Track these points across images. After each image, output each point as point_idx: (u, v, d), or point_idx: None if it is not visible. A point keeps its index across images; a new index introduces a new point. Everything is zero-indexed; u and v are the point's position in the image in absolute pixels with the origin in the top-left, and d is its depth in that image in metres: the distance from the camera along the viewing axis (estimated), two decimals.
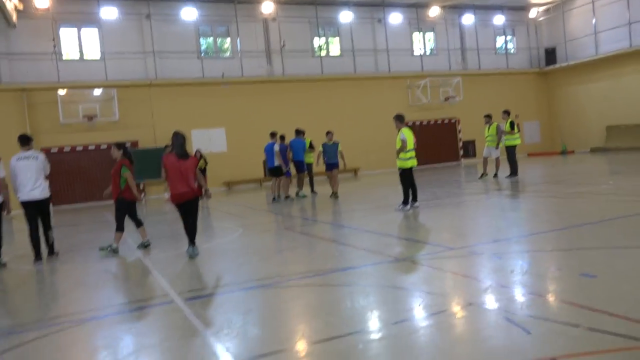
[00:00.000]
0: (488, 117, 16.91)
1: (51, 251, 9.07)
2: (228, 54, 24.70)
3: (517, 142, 16.20)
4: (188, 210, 8.04)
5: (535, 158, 27.25)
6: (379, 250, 7.36)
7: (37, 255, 8.72)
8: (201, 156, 19.92)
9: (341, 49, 26.39)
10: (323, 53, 26.02)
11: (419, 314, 4.61)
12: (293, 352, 3.98)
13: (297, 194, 16.05)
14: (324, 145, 14.95)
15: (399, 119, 11.29)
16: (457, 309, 4.62)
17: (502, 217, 10.05)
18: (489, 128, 16.72)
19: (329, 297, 5.41)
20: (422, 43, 28.31)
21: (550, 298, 4.70)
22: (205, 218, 13.76)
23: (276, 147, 15.27)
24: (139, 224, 9.29)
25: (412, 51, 27.88)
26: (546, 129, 30.60)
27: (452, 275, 5.80)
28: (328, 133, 15.14)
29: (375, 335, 4.15)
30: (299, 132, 16.13)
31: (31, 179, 8.75)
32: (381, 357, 3.76)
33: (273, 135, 15.74)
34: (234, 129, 23.43)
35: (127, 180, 9.00)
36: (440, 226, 9.40)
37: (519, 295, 4.85)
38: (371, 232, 8.96)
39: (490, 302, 4.72)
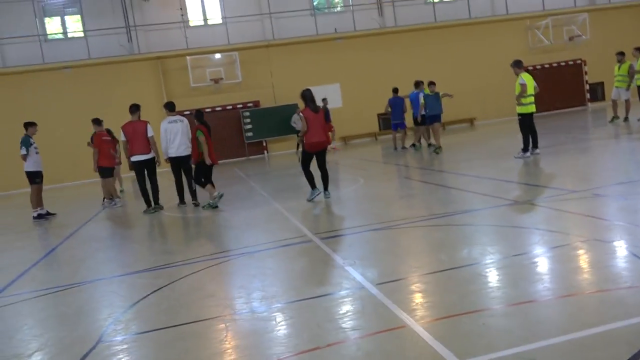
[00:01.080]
0: (620, 55, 15.79)
1: (194, 198, 10.45)
2: (339, 8, 25.00)
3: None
4: (322, 157, 9.08)
5: None
6: (498, 195, 7.63)
7: (182, 200, 10.60)
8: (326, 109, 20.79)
9: None
10: (436, 0, 25.39)
11: (539, 248, 4.95)
12: (418, 278, 4.54)
13: (414, 146, 16.35)
14: (425, 97, 14.95)
15: (517, 65, 11.14)
16: (578, 244, 4.89)
17: (629, 161, 9.72)
18: (619, 67, 15.67)
19: (451, 235, 5.90)
20: None
21: None
22: (330, 170, 14.62)
23: (421, 97, 15.42)
24: (204, 185, 9.91)
25: None
26: None
27: (573, 215, 5.99)
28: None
29: (494, 265, 4.59)
30: (418, 84, 16.15)
31: (177, 139, 10.08)
32: (500, 282, 4.21)
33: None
34: (349, 84, 23.94)
35: (202, 144, 9.71)
36: (562, 171, 9.35)
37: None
38: (490, 179, 9.18)
39: (614, 238, 4.92)
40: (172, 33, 22.84)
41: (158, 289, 5.16)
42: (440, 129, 15.08)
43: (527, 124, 11.07)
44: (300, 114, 9.12)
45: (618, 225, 5.31)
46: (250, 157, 23.44)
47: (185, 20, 22.88)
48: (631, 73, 15.29)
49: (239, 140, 23.42)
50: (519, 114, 11.15)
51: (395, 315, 3.73)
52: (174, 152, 10.27)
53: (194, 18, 23.77)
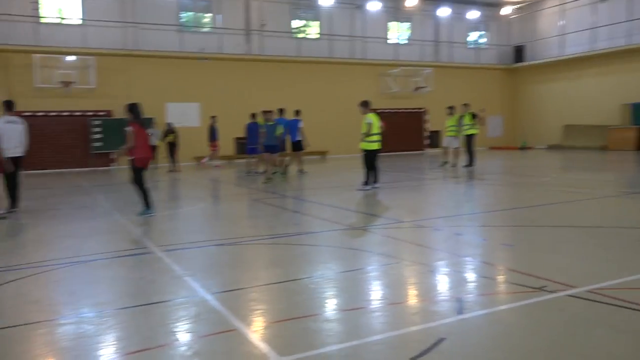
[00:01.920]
0: (450, 109, 17.93)
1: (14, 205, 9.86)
2: (207, 29, 25.10)
3: (476, 131, 17.23)
4: (144, 173, 8.89)
5: (497, 151, 28.58)
6: (336, 220, 8.26)
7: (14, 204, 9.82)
8: (172, 130, 20.52)
9: (319, 33, 27.04)
10: (301, 35, 26.66)
11: (364, 266, 5.53)
12: (253, 289, 4.83)
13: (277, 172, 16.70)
14: (262, 127, 14.76)
15: (365, 105, 12.10)
16: (397, 264, 5.55)
17: (450, 199, 11.10)
18: (450, 119, 17.75)
19: (289, 253, 6.30)
20: (398, 32, 29.18)
21: (471, 259, 5.66)
22: (180, 188, 14.48)
23: (301, 124, 16.31)
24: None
25: (387, 39, 28.72)
26: (509, 124, 31.96)
27: (397, 241, 6.74)
28: (265, 113, 14.79)
29: (322, 279, 5.05)
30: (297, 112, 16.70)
31: (15, 140, 9.62)
32: (325, 293, 4.66)
33: (298, 112, 16.80)
34: (209, 104, 23.93)
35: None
36: (395, 204, 10.36)
37: (449, 256, 5.80)
38: (331, 206, 9.86)
39: (417, 258, 5.66)
40: (20, 26, 21.11)
41: None
42: (273, 160, 14.72)
43: (369, 159, 12.06)
44: (130, 128, 8.66)
45: (427, 250, 6.11)
46: (96, 168, 22.19)
47: (37, 15, 21.30)
48: (460, 124, 17.40)
49: (84, 149, 22.07)
50: (363, 150, 12.12)
51: (227, 320, 3.97)
52: (10, 153, 9.60)
53: (48, 14, 22.23)
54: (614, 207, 9.09)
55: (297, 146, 16.54)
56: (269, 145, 14.40)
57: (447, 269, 5.29)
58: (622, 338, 3.40)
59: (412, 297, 4.52)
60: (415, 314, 4.09)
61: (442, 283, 4.88)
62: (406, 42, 29.39)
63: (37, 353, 3.56)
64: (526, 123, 31.03)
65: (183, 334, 3.75)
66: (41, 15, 21.73)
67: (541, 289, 4.41)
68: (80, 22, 22.30)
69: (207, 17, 25.18)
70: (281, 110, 16.47)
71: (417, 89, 28.05)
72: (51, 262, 6.06)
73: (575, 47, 27.82)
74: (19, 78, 20.84)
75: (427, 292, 4.66)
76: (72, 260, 6.08)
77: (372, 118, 11.92)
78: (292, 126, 16.47)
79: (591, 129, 26.64)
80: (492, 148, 30.41)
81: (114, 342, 3.69)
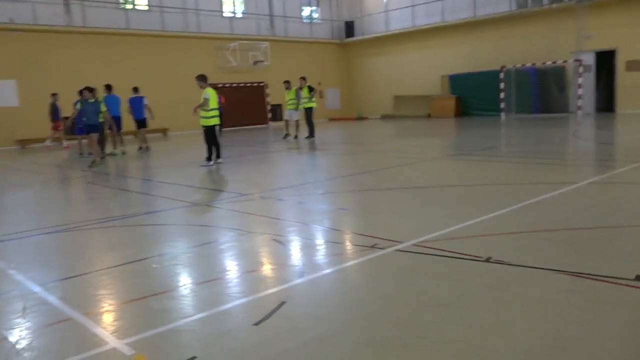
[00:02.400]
0: (287, 83, 18.28)
1: None
2: None
3: (314, 105, 17.85)
4: None
5: (335, 123, 29.91)
6: (179, 198, 8.08)
7: None
8: None
9: (149, 4, 25.62)
10: (129, 7, 25.03)
11: (213, 240, 5.51)
12: (88, 276, 4.58)
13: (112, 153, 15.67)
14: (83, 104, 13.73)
15: (202, 79, 11.85)
16: (239, 236, 5.61)
17: (292, 170, 11.45)
18: (289, 92, 18.13)
19: (129, 234, 6.04)
20: (233, 5, 28.79)
21: (312, 225, 5.94)
22: (5, 173, 12.98)
23: (146, 100, 15.87)
24: None
25: (222, 13, 28.21)
26: (345, 96, 33.56)
27: (242, 214, 6.81)
28: (86, 90, 13.65)
29: (170, 257, 4.94)
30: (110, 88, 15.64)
31: None
32: (173, 270, 4.58)
33: (137, 89, 16.23)
34: (28, 81, 21.56)
35: None
36: (239, 178, 10.40)
37: (292, 224, 6.02)
38: (173, 184, 9.60)
39: (262, 229, 5.80)
40: None
41: None
42: (93, 140, 13.53)
43: (210, 135, 11.90)
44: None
45: (271, 220, 6.29)
46: None
47: None
48: (298, 97, 17.87)
49: None
50: (203, 126, 11.92)
51: (61, 310, 3.72)
52: None
53: None
54: (438, 169, 10.10)
55: (142, 124, 15.99)
56: (91, 125, 13.33)
57: (289, 237, 5.49)
58: (442, 283, 3.85)
59: (258, 266, 4.63)
60: (260, 282, 4.21)
61: (285, 250, 5.07)
62: (241, 16, 29.16)
63: None
64: (360, 95, 32.84)
65: (11, 330, 3.44)
66: None
67: (373, 246, 4.79)
68: None
69: None
70: (109, 87, 15.48)
71: (255, 62, 28.08)
72: None
73: (398, 23, 29.93)
74: None
75: (272, 259, 4.80)
76: None
77: (209, 93, 11.74)
78: (136, 103, 15.88)
79: (417, 99, 29.02)
80: (331, 119, 31.75)
81: None
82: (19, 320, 3.61)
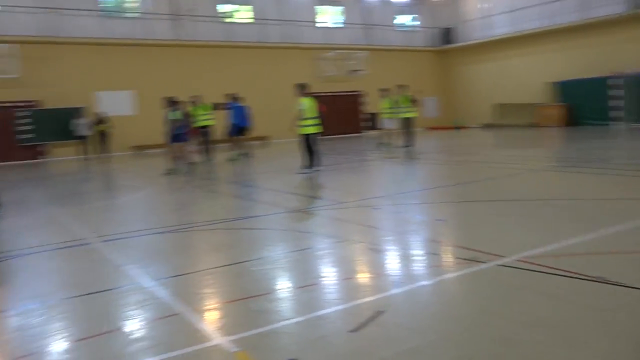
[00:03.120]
0: (383, 91, 18.22)
1: None
2: (134, 14, 24.25)
3: (414, 114, 17.66)
4: None
5: (433, 132, 29.40)
6: (277, 204, 8.33)
7: None
8: (102, 120, 19.88)
9: (253, 17, 26.73)
10: (230, 20, 26.30)
11: (309, 246, 5.64)
12: (195, 275, 4.85)
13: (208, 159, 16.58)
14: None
15: (301, 88, 12.01)
16: (337, 243, 5.69)
17: (388, 179, 11.40)
18: (384, 101, 18.06)
19: (231, 237, 6.32)
20: (331, 16, 29.31)
21: (409, 235, 5.89)
22: (117, 178, 14.08)
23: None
24: None
25: (319, 23, 28.80)
26: (443, 105, 32.91)
27: (338, 221, 6.89)
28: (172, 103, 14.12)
29: (269, 261, 5.12)
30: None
31: None
32: (271, 273, 4.74)
33: (238, 99, 16.91)
34: (143, 92, 23.27)
35: None
36: (335, 186, 10.53)
37: (388, 233, 6.01)
38: (272, 190, 9.91)
39: (358, 237, 5.83)
40: None
41: None
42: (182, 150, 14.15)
43: (307, 143, 12.02)
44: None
45: (367, 228, 6.30)
46: (24, 161, 21.18)
47: None
48: (396, 106, 17.76)
49: (9, 142, 20.95)
50: (301, 134, 12.10)
51: (170, 305, 3.98)
52: None
53: None
54: (542, 181, 9.62)
55: (243, 131, 16.70)
56: (177, 134, 13.85)
57: (385, 246, 5.48)
58: (549, 302, 3.65)
59: (354, 274, 4.67)
60: (356, 290, 4.24)
61: (381, 259, 5.06)
62: (340, 25, 29.58)
63: None
64: (459, 103, 32.05)
65: (127, 321, 3.73)
66: None
67: (473, 260, 4.66)
68: None
69: (132, 2, 24.31)
70: (235, 98, 16.57)
71: (352, 71, 28.33)
72: None
73: (500, 28, 28.91)
74: None
75: (369, 268, 4.82)
76: (9, 255, 5.86)
77: (305, 102, 11.83)
78: (240, 111, 16.61)
79: (520, 107, 27.83)
80: (429, 128, 31.26)
81: (56, 333, 3.62)
82: (133, 312, 3.91)
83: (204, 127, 16.55)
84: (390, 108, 17.92)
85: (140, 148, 23.32)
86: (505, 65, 28.89)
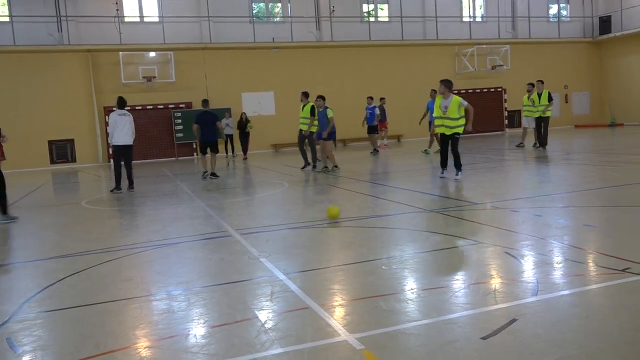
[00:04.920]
0: (530, 86, 17.05)
1: (131, 186, 11.81)
2: (278, 18, 25.46)
3: (548, 113, 16.37)
4: None
5: (583, 129, 27.08)
6: (411, 203, 8.22)
7: (118, 185, 11.74)
8: (246, 119, 21.09)
9: (389, 15, 26.70)
10: (371, 19, 26.44)
11: (435, 248, 5.50)
12: (325, 270, 4.95)
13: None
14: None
15: (444, 84, 10.48)
16: (464, 244, 5.47)
17: (528, 180, 10.70)
18: (528, 97, 16.91)
19: (363, 235, 6.37)
20: (472, 10, 28.23)
21: (550, 240, 5.47)
22: (256, 175, 14.91)
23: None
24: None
25: (461, 18, 27.87)
26: (596, 101, 30.16)
27: (473, 223, 6.63)
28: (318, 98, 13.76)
29: (400, 260, 5.08)
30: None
31: (125, 131, 11.71)
32: (395, 274, 4.69)
33: (371, 98, 19.01)
34: (283, 93, 24.34)
35: None
36: (471, 186, 10.10)
37: (527, 237, 5.64)
38: (406, 189, 9.81)
39: (493, 240, 5.53)
40: (106, 27, 22.40)
41: (75, 273, 5.27)
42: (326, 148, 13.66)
43: (446, 144, 10.86)
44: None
45: (504, 232, 5.97)
46: (180, 158, 23.28)
47: (120, 15, 22.51)
48: (534, 104, 16.52)
49: (168, 140, 23.23)
50: (448, 134, 10.70)
51: (301, 299, 4.11)
52: (122, 141, 11.65)
53: (130, 14, 23.42)
54: None
55: (372, 129, 18.73)
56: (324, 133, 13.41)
57: (523, 251, 5.15)
58: None
59: (487, 279, 4.44)
60: (489, 295, 4.03)
61: (519, 265, 4.76)
62: (481, 19, 28.39)
63: (132, 325, 3.86)
64: (615, 99, 29.14)
65: (260, 311, 3.92)
66: (124, 15, 22.94)
67: (624, 270, 4.21)
68: (157, 19, 23.33)
69: (278, 7, 25.54)
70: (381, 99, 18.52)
71: (494, 67, 27.05)
72: (142, 244, 6.50)
73: None
74: (108, 75, 22.18)
75: (503, 273, 4.56)
76: (160, 243, 6.48)
77: (453, 100, 10.47)
78: (370, 111, 18.61)
79: None
80: (578, 126, 28.87)
81: (197, 318, 3.92)
82: (267, 303, 4.10)
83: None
84: (529, 105, 16.80)
85: (278, 146, 24.43)
86: None
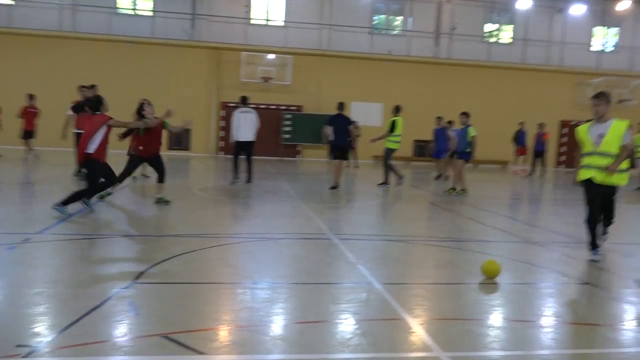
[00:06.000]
0: None
1: (249, 180, 12.09)
2: (397, 31, 25.61)
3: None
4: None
5: None
6: (511, 232, 8.02)
7: (235, 177, 12.17)
8: (355, 128, 21.35)
9: (513, 37, 25.91)
10: (493, 39, 25.82)
11: (539, 281, 5.37)
12: (420, 285, 5.03)
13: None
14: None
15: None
16: (559, 282, 5.28)
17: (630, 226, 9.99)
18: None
19: (458, 257, 6.35)
20: (603, 38, 26.66)
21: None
22: (359, 183, 15.17)
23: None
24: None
25: (589, 46, 26.40)
26: None
27: (574, 260, 6.34)
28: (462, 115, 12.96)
29: (488, 287, 5.04)
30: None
31: (247, 127, 12.06)
32: (490, 300, 4.66)
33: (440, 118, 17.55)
34: (391, 105, 24.36)
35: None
36: (572, 221, 9.61)
37: (631, 283, 5.35)
38: (507, 217, 9.55)
39: (602, 282, 5.29)
40: (233, 27, 23.75)
41: (187, 252, 5.75)
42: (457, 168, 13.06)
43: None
44: None
45: (611, 273, 5.67)
46: (283, 158, 24.12)
47: (247, 17, 23.81)
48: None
49: (275, 140, 24.13)
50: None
51: (394, 309, 4.23)
52: (242, 138, 12.02)
53: (257, 16, 24.67)
54: None
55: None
56: (456, 151, 13.04)
57: (628, 296, 4.90)
58: None
59: (586, 319, 4.30)
60: (587, 337, 3.92)
61: (621, 310, 4.56)
62: (612, 49, 26.71)
63: (232, 308, 4.19)
64: None
65: (351, 315, 4.09)
66: (251, 17, 24.24)
67: None
68: (282, 23, 24.38)
69: (398, 20, 25.70)
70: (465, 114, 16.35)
71: (620, 101, 25.32)
72: (245, 235, 6.93)
73: None
74: (229, 72, 23.53)
75: (600, 317, 4.39)
76: (261, 236, 6.87)
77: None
78: (440, 134, 16.74)
79: None
80: None
81: (293, 311, 4.17)
82: (362, 308, 4.26)
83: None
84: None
85: (379, 158, 24.51)
86: None
